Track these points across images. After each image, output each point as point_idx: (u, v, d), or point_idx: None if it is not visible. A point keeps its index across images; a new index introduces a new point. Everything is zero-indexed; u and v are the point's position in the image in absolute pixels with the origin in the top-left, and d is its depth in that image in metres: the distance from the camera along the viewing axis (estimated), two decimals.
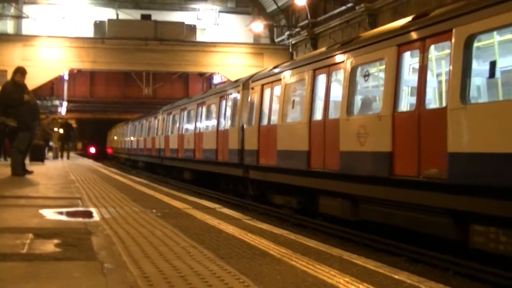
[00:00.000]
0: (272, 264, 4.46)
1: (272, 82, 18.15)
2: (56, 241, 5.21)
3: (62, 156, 35.10)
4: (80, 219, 7.04)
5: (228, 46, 47.93)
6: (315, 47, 39.90)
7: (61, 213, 7.54)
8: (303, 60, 16.77)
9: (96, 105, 61.61)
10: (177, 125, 31.87)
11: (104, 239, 5.38)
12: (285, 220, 16.29)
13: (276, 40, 49.96)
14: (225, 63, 46.91)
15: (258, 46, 49.45)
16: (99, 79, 59.21)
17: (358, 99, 13.81)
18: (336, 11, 38.59)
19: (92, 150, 76.05)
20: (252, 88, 19.59)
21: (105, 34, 46.71)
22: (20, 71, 14.78)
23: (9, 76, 15.25)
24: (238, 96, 21.10)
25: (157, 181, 28.75)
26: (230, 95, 22.65)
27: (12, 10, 46.84)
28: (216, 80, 52.80)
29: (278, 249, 5.14)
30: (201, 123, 26.80)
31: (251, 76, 20.98)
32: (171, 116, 34.07)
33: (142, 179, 19.78)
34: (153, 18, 49.72)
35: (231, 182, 23.22)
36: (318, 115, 15.09)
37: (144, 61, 46.36)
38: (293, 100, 16.61)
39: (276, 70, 18.18)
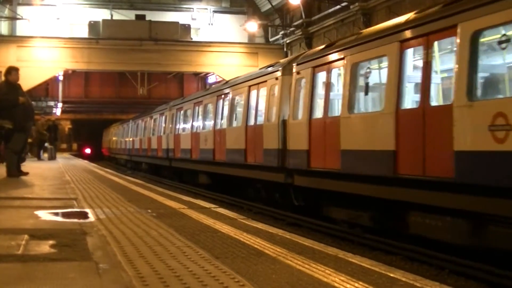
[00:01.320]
0: (267, 264, 4.46)
1: (328, 63, 14.60)
2: (51, 242, 5.20)
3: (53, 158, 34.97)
4: (75, 220, 7.03)
5: (223, 45, 47.89)
6: (309, 46, 39.90)
7: (56, 214, 7.53)
8: (384, 31, 12.63)
9: (91, 106, 61.60)
10: (191, 122, 27.96)
11: (99, 240, 5.38)
12: (281, 219, 16.31)
13: (271, 39, 49.96)
14: (220, 63, 46.88)
15: (253, 46, 49.43)
16: (93, 80, 59.07)
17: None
18: (330, 10, 38.60)
19: (88, 151, 75.94)
20: (298, 73, 16.07)
21: (99, 34, 46.63)
22: (14, 70, 14.74)
23: (2, 77, 15.18)
24: (277, 83, 17.57)
25: (152, 181, 28.71)
26: (263, 83, 18.91)
27: (6, 11, 46.75)
28: (211, 79, 52.76)
29: (273, 249, 5.14)
30: (223, 119, 22.98)
31: (293, 59, 17.62)
32: (181, 112, 30.47)
33: (137, 179, 19.75)
34: (147, 18, 49.65)
35: (264, 189, 19.42)
36: (410, 102, 11.85)
37: (138, 61, 46.29)
38: (367, 84, 12.79)
39: (334, 49, 14.54)
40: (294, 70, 16.41)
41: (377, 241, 12.25)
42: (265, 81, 18.72)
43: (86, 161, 38.62)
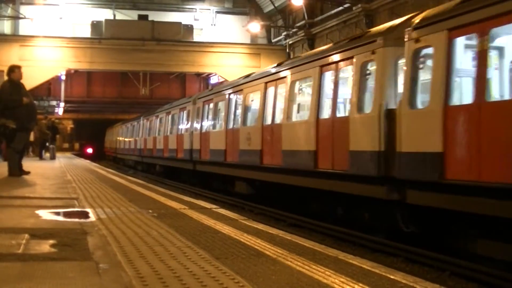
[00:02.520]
0: (267, 265, 4.45)
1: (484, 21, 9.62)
2: (51, 241, 5.20)
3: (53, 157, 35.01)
4: (76, 220, 7.03)
5: (225, 46, 47.92)
6: (312, 47, 39.88)
7: (57, 213, 7.53)
8: None
9: (93, 105, 61.67)
10: (226, 116, 22.64)
11: (99, 239, 5.37)
12: (282, 220, 16.28)
13: (273, 40, 49.96)
14: (222, 64, 46.91)
15: (255, 47, 49.45)
16: (96, 79, 59.13)
17: None
18: (333, 12, 38.60)
19: (89, 150, 75.94)
20: (417, 40, 11.23)
21: (102, 34, 46.68)
22: (16, 68, 14.79)
23: (5, 76, 15.21)
24: (373, 58, 12.92)
25: (153, 181, 28.71)
26: (346, 62, 14.19)
27: (9, 11, 46.84)
28: (213, 80, 52.79)
29: (273, 250, 5.13)
30: (276, 112, 18.25)
31: (400, 24, 12.73)
32: (210, 106, 25.34)
33: (139, 179, 19.76)
34: (150, 18, 49.73)
35: (345, 206, 14.66)
36: None
37: (141, 61, 46.33)
38: None
39: None
40: (407, 37, 11.57)
41: (378, 242, 12.24)
42: (350, 58, 13.98)
43: (87, 161, 38.64)
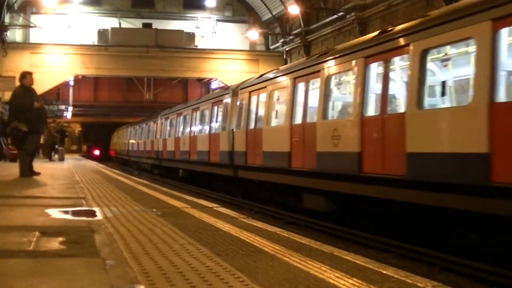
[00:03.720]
0: (266, 261, 4.45)
1: None
2: (61, 238, 5.20)
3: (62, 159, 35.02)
4: (84, 218, 7.03)
5: (225, 53, 48.01)
6: (308, 54, 39.95)
7: (66, 212, 7.52)
8: None
9: (99, 109, 61.75)
10: (294, 108, 16.14)
11: (106, 237, 5.37)
12: (280, 218, 16.27)
13: (271, 47, 50.05)
14: (223, 69, 47.01)
15: (254, 53, 49.53)
16: (102, 85, 59.21)
17: None
18: (328, 20, 38.67)
19: (96, 152, 75.91)
20: None
21: (108, 41, 46.75)
22: (28, 74, 14.84)
23: (17, 81, 15.27)
24: None
25: (157, 181, 28.67)
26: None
27: (21, 20, 46.91)
28: (214, 85, 52.83)
29: (272, 246, 5.13)
30: (396, 98, 12.88)
31: None
32: (261, 96, 18.92)
33: (143, 179, 19.75)
34: (154, 26, 49.86)
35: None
36: None
37: (145, 67, 46.44)
38: None
39: None
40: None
41: (371, 239, 12.23)
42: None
43: (95, 162, 38.59)
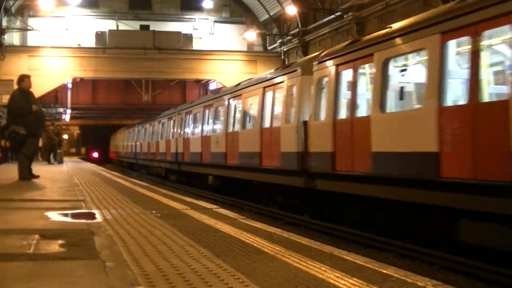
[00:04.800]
0: (266, 261, 4.45)
1: None
2: (60, 241, 5.20)
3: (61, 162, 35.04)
4: (83, 221, 7.02)
5: (223, 54, 48.02)
6: (306, 54, 39.98)
7: (65, 215, 7.52)
8: None
9: (98, 112, 61.74)
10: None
11: (106, 239, 5.37)
12: (279, 219, 16.28)
13: (269, 47, 50.07)
14: (221, 70, 47.01)
15: (252, 54, 49.55)
16: (100, 87, 59.19)
17: None
18: (325, 20, 38.69)
19: (95, 154, 75.89)
20: None
21: (106, 44, 46.73)
22: (26, 77, 14.85)
23: (15, 85, 15.27)
24: None
25: (156, 183, 28.59)
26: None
27: (18, 23, 46.91)
28: (212, 86, 52.86)
29: (272, 247, 5.13)
30: None
31: None
32: (346, 75, 14.02)
33: (142, 181, 19.74)
34: (151, 28, 49.83)
35: None
36: None
37: (143, 69, 46.44)
38: None
39: None
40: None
41: (371, 239, 12.24)
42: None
43: (93, 165, 38.59)
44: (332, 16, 37.38)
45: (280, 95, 17.52)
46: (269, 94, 18.36)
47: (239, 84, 22.59)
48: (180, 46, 47.46)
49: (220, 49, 49.05)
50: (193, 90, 59.55)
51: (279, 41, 47.19)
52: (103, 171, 25.85)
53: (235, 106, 21.97)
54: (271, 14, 47.53)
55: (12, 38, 46.76)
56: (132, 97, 58.32)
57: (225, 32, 52.09)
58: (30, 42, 47.21)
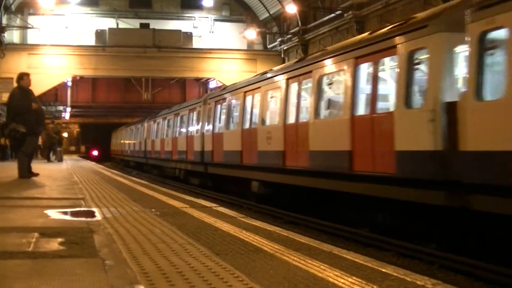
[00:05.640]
0: (265, 260, 4.45)
1: None
2: (60, 239, 5.20)
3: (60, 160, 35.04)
4: (83, 219, 7.03)
5: (223, 52, 48.01)
6: (305, 52, 39.98)
7: (65, 213, 7.52)
8: None
9: (98, 110, 61.73)
10: None
11: (105, 237, 5.37)
12: (279, 217, 16.27)
13: (269, 46, 50.06)
14: (221, 69, 47.00)
15: (252, 52, 49.54)
16: (100, 85, 59.21)
17: None
18: (325, 18, 38.68)
19: (95, 153, 75.80)
20: None
21: (106, 42, 46.73)
22: (25, 75, 14.83)
23: (14, 83, 15.25)
24: None
25: (156, 181, 28.55)
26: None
27: (18, 21, 46.90)
28: (212, 85, 52.86)
29: (271, 246, 5.13)
30: None
31: None
32: None
33: (142, 179, 19.73)
34: (151, 26, 49.84)
35: None
36: None
37: (143, 67, 46.43)
38: None
39: None
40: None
41: (370, 238, 12.24)
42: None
43: (93, 163, 38.57)
44: (332, 15, 37.38)
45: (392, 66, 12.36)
46: (363, 68, 13.27)
47: (316, 54, 16.51)
48: (180, 44, 47.45)
49: (220, 47, 49.04)
50: (193, 88, 59.56)
51: (279, 39, 47.16)
52: (102, 169, 25.84)
53: (299, 89, 16.30)
54: (271, 12, 47.52)
55: (12, 36, 46.75)
56: (132, 96, 58.37)
57: (225, 30, 52.08)
58: (30, 40, 47.20)
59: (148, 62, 46.22)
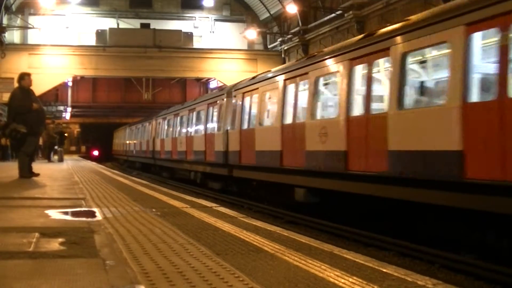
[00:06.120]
0: (266, 260, 4.45)
1: None
2: (60, 239, 5.20)
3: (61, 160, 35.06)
4: (84, 219, 7.02)
5: (224, 52, 48.00)
6: (306, 52, 39.98)
7: (65, 213, 7.52)
8: None
9: (98, 110, 61.75)
10: None
11: (106, 237, 5.37)
12: (279, 217, 16.26)
13: (269, 46, 50.04)
14: (221, 69, 46.98)
15: (252, 52, 49.52)
16: (101, 85, 59.21)
17: None
18: (326, 18, 38.66)
19: (95, 153, 75.81)
20: None
21: (106, 42, 46.72)
22: (26, 75, 14.84)
23: (15, 83, 15.27)
24: None
25: (156, 181, 28.55)
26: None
27: (18, 21, 46.90)
28: (213, 85, 52.86)
29: (272, 245, 5.13)
30: None
31: None
32: None
33: (142, 179, 19.73)
34: (152, 26, 49.84)
35: None
36: None
37: (143, 67, 46.42)
38: None
39: None
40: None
41: (371, 237, 12.24)
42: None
43: (94, 163, 38.56)
44: (333, 15, 37.36)
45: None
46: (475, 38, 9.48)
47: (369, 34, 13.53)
48: (180, 44, 47.45)
49: (221, 47, 49.04)
50: (193, 88, 59.56)
51: (280, 39, 47.15)
52: (103, 169, 25.84)
53: (364, 75, 13.11)
54: (271, 12, 47.51)
55: (13, 36, 46.74)
56: (132, 96, 58.37)
57: (226, 30, 52.08)
58: (30, 40, 47.20)
59: (148, 62, 46.22)
